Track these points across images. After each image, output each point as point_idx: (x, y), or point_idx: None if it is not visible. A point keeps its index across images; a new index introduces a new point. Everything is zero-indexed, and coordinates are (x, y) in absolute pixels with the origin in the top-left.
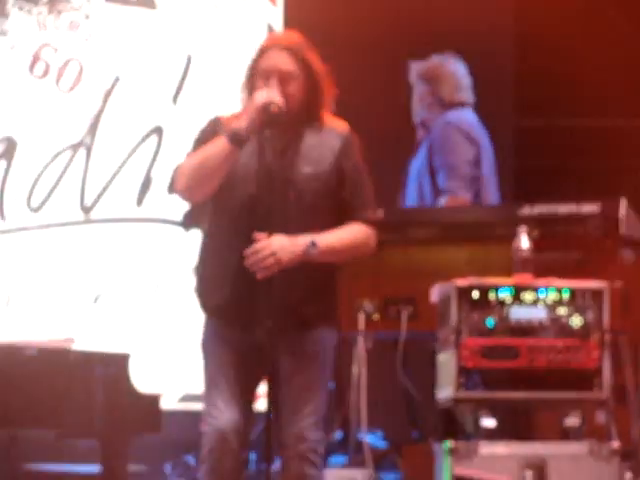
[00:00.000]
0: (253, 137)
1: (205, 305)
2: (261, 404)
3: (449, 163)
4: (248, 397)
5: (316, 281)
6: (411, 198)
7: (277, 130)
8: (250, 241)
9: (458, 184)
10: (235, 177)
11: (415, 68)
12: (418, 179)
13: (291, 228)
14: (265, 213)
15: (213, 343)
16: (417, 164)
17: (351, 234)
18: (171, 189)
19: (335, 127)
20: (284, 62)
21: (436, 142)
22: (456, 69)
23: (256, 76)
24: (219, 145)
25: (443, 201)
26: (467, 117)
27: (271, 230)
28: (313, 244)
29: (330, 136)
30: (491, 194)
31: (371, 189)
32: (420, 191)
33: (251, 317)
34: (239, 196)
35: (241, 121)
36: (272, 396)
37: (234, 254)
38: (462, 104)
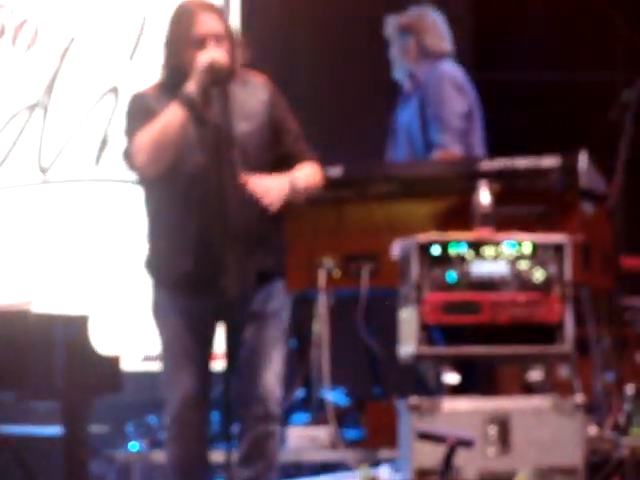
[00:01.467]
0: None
1: (163, 278)
2: (218, 364)
3: (441, 116)
4: (205, 361)
5: (271, 233)
6: (402, 152)
7: (218, 89)
8: (204, 208)
9: (450, 138)
10: (180, 144)
11: (393, 21)
12: (408, 132)
13: (241, 188)
14: (216, 177)
15: (166, 311)
16: (406, 117)
17: (310, 173)
18: (130, 167)
19: (256, 79)
20: (216, 24)
21: (429, 95)
22: (437, 18)
23: (187, 41)
24: (173, 112)
25: (435, 155)
26: (457, 69)
27: (223, 193)
28: (297, 179)
29: (255, 89)
30: (480, 147)
31: (301, 132)
32: (411, 144)
33: (211, 283)
34: (187, 164)
35: (190, 85)
36: (231, 356)
37: (191, 223)
38: (447, 54)
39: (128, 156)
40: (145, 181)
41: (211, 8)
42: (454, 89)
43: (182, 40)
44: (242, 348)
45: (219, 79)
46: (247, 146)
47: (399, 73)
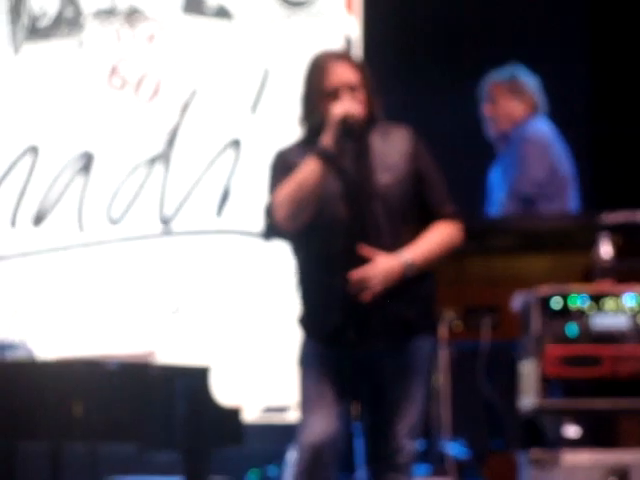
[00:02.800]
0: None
1: (315, 334)
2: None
3: (514, 182)
4: (344, 412)
5: (416, 287)
6: (493, 211)
7: (355, 141)
8: (349, 261)
9: (514, 204)
10: (320, 198)
11: (486, 83)
12: (497, 192)
13: (385, 240)
14: (359, 230)
15: (311, 360)
16: (496, 177)
17: (440, 236)
18: (270, 226)
19: (398, 129)
20: (349, 74)
21: (511, 157)
22: (528, 79)
23: (320, 94)
24: (310, 166)
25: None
26: (542, 128)
27: (367, 245)
28: (410, 265)
29: (397, 138)
30: (571, 200)
31: (445, 182)
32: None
33: (358, 336)
34: (328, 217)
35: (325, 138)
36: (369, 408)
37: (337, 278)
38: (536, 112)
39: (269, 212)
40: (287, 236)
41: (343, 58)
42: (535, 152)
43: (316, 93)
44: (379, 401)
45: (354, 131)
46: (389, 198)
47: (491, 132)
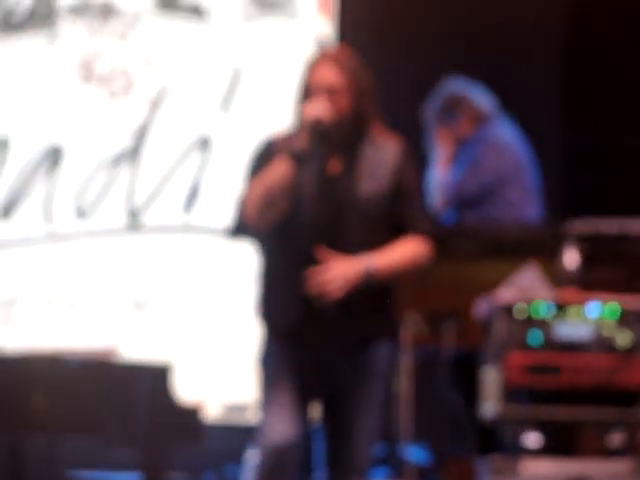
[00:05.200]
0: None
1: (273, 328)
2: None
3: (459, 182)
4: (304, 414)
5: (377, 296)
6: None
7: (331, 146)
8: (315, 264)
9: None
10: (295, 198)
11: (426, 111)
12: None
13: (355, 249)
14: (329, 235)
15: (271, 360)
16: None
17: (407, 251)
18: (239, 225)
19: (390, 141)
20: (331, 75)
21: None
22: (468, 94)
23: (307, 92)
24: (281, 166)
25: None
26: (500, 133)
27: (336, 250)
28: (372, 274)
29: (386, 151)
30: (531, 206)
31: (424, 201)
32: None
33: (317, 337)
34: (302, 218)
35: (299, 139)
36: (328, 410)
37: (302, 276)
38: (488, 122)
39: (238, 206)
40: (255, 234)
41: (334, 59)
42: (490, 154)
43: (302, 90)
44: (340, 402)
45: (326, 134)
46: (368, 208)
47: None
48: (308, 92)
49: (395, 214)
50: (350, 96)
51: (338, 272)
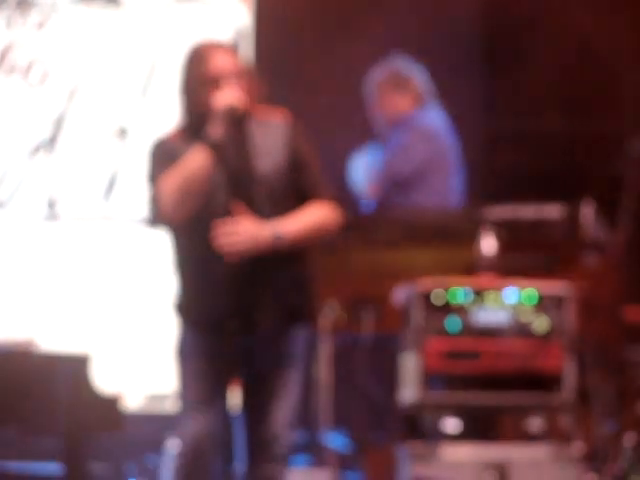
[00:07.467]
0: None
1: (196, 322)
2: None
3: (387, 166)
4: (223, 403)
5: (296, 273)
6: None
7: (240, 130)
8: None
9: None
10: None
11: (372, 78)
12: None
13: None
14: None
15: (190, 350)
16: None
17: (314, 215)
18: (156, 215)
19: (275, 115)
20: (231, 62)
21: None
22: (411, 73)
23: (202, 83)
24: (199, 156)
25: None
26: (429, 119)
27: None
28: (279, 236)
29: (274, 125)
30: (455, 192)
31: (320, 167)
32: None
33: (236, 324)
34: (212, 206)
35: (212, 128)
36: (246, 397)
37: (218, 265)
38: (423, 105)
39: (153, 202)
40: (172, 225)
41: (222, 47)
42: (418, 139)
43: (197, 83)
44: (258, 388)
45: (239, 120)
46: (270, 184)
47: (379, 129)
48: (207, 81)
49: (297, 186)
50: (244, 79)
51: (246, 228)
